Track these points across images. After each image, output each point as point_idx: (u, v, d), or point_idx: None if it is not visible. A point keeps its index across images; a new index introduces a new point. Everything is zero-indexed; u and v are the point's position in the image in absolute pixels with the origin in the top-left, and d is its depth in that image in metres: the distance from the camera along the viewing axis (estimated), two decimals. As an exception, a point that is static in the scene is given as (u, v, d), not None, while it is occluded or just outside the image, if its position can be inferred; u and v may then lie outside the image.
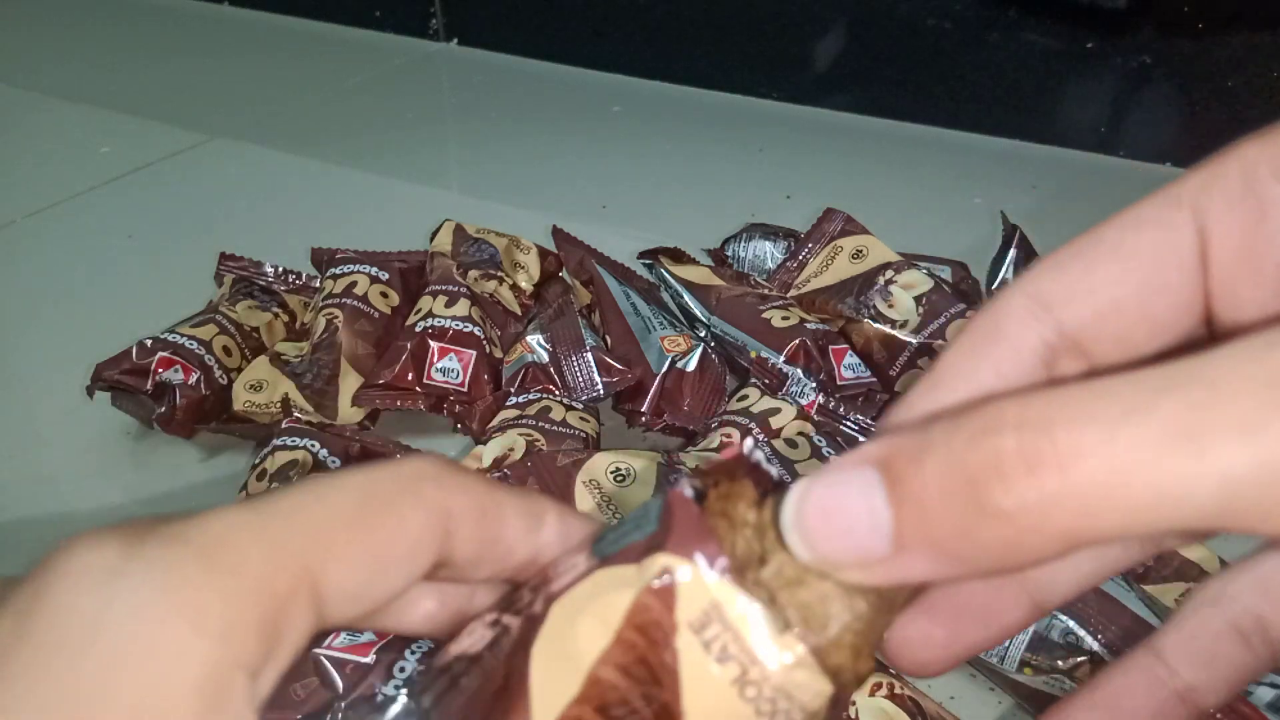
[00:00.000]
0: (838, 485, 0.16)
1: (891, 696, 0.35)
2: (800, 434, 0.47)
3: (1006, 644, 0.38)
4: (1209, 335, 0.19)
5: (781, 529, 0.17)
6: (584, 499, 0.41)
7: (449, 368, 0.53)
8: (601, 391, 0.52)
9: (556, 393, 0.52)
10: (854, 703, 0.35)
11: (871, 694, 0.35)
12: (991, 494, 0.14)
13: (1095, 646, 0.36)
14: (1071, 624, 0.37)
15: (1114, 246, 0.18)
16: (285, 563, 0.17)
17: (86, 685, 0.15)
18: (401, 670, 0.36)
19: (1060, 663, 0.37)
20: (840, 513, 0.16)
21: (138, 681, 0.15)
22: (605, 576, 0.18)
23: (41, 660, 0.15)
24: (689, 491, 0.18)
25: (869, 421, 0.50)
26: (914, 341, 0.53)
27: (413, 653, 0.37)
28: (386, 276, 0.59)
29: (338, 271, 0.59)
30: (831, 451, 0.47)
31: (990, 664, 0.39)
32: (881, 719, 0.35)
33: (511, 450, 0.47)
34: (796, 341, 0.52)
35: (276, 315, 0.59)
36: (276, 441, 0.47)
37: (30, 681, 0.15)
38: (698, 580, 0.17)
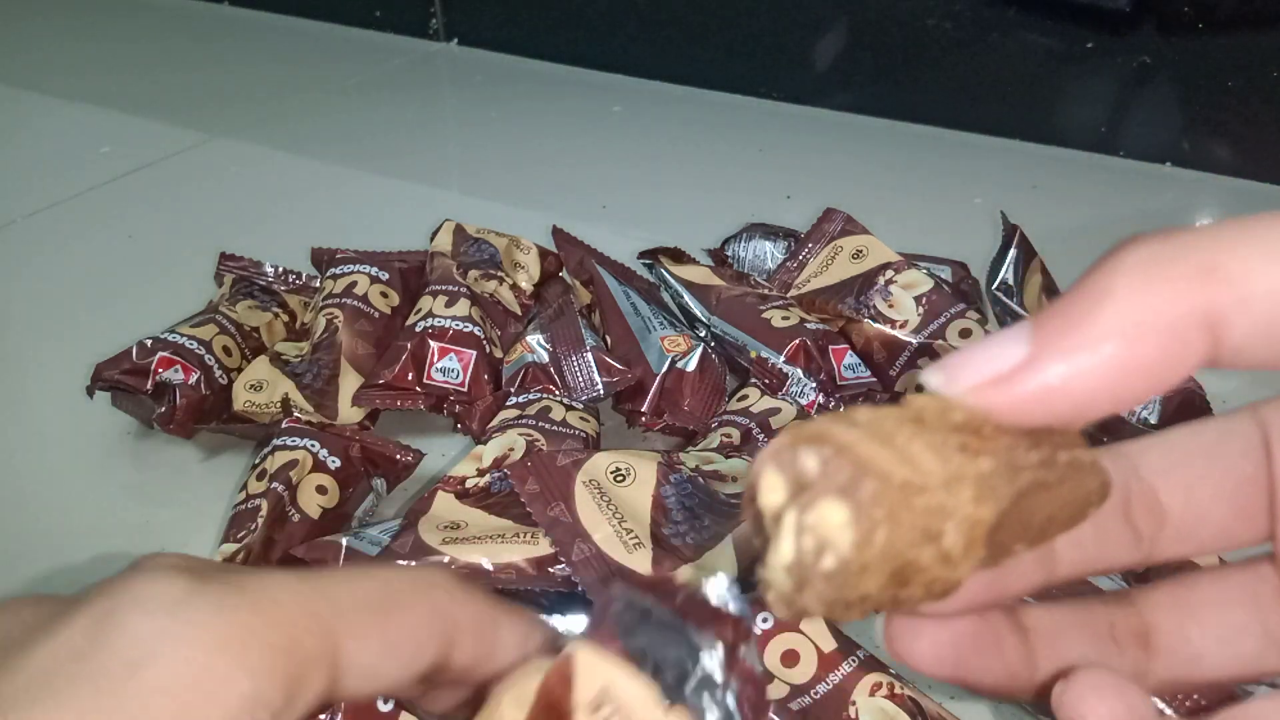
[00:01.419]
0: (984, 339, 0.18)
1: (891, 696, 0.35)
2: (800, 434, 0.47)
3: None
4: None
5: (923, 377, 0.17)
6: (584, 499, 0.41)
7: (449, 368, 0.53)
8: (601, 391, 0.52)
9: (556, 393, 0.52)
10: (854, 703, 0.35)
11: (872, 694, 0.35)
12: (1117, 268, 0.16)
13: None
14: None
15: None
16: (316, 628, 0.19)
17: (140, 699, 0.17)
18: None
19: None
20: (983, 343, 0.17)
21: (182, 701, 0.17)
22: (533, 664, 0.20)
23: (106, 672, 0.17)
24: (617, 590, 0.20)
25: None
26: (914, 341, 0.53)
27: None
28: (386, 276, 0.59)
29: (338, 271, 0.59)
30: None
31: None
32: (881, 719, 0.35)
33: (511, 450, 0.47)
34: (796, 341, 0.52)
35: (276, 315, 0.59)
36: (276, 441, 0.47)
37: (93, 690, 0.17)
38: (593, 662, 0.19)
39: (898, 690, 0.36)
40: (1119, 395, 0.16)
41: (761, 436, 0.48)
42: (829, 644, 0.37)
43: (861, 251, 0.58)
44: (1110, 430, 0.51)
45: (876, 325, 0.54)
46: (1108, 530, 0.21)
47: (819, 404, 0.50)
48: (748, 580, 0.39)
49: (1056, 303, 0.17)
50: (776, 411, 0.49)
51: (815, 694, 0.36)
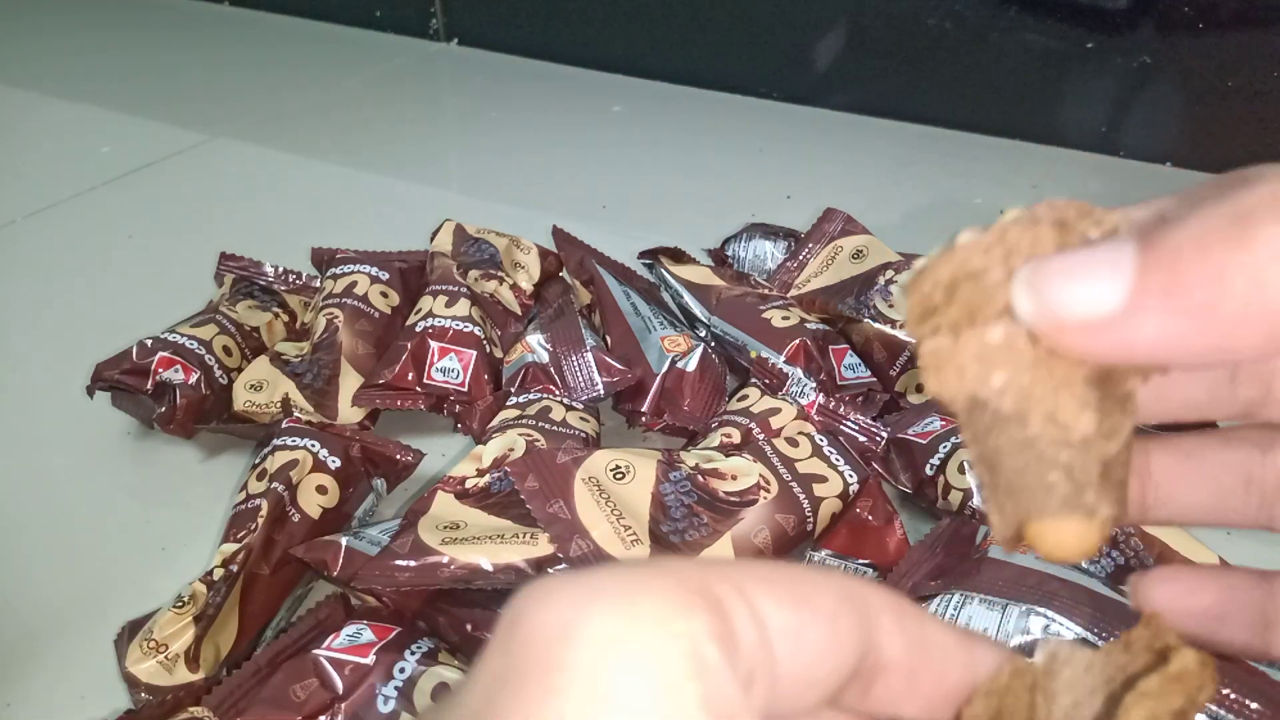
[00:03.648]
0: (1087, 250, 0.15)
1: None
2: (800, 434, 0.47)
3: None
4: None
5: (1013, 287, 0.16)
6: (583, 496, 0.41)
7: (449, 367, 0.53)
8: (601, 391, 0.52)
9: (557, 393, 0.52)
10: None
11: None
12: (1259, 223, 0.14)
13: (1079, 631, 0.36)
14: (1050, 613, 0.37)
15: None
16: (724, 578, 0.16)
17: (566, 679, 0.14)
18: (401, 671, 0.36)
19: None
20: (1081, 265, 0.15)
21: (626, 680, 0.14)
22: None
23: (523, 673, 0.15)
24: None
25: (869, 421, 0.50)
26: (914, 341, 0.53)
27: (412, 653, 0.37)
28: (386, 276, 0.59)
29: (338, 271, 0.59)
30: (833, 451, 0.47)
31: None
32: None
33: (511, 450, 0.47)
34: (796, 341, 0.52)
35: (276, 315, 0.59)
36: (276, 441, 0.47)
37: (515, 695, 0.15)
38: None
39: None
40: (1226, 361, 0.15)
41: (761, 436, 0.48)
42: None
43: (861, 251, 0.58)
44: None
45: (876, 325, 0.54)
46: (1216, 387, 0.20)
47: (819, 404, 0.50)
48: None
49: (1168, 231, 0.15)
50: (776, 411, 0.49)
51: None
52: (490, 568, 0.39)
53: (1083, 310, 0.15)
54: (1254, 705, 0.34)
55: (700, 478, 0.43)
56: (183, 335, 0.54)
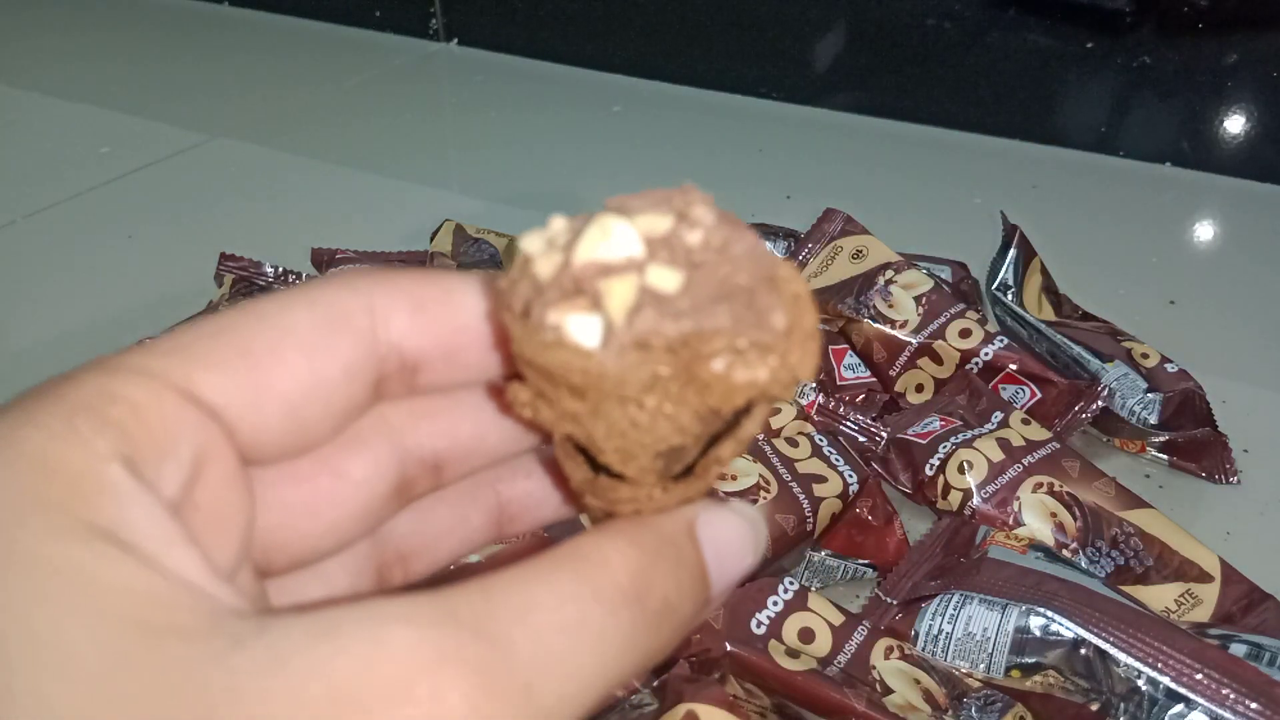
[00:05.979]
0: None
1: (904, 658, 0.38)
2: (800, 434, 0.47)
3: (990, 652, 0.38)
4: None
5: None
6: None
7: (449, 368, 0.53)
8: (601, 391, 0.52)
9: (556, 393, 0.52)
10: (874, 667, 0.39)
11: (886, 657, 0.39)
12: None
13: (1079, 631, 0.36)
14: (1049, 613, 0.37)
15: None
16: (127, 371, 0.15)
17: None
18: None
19: (1045, 656, 0.37)
20: None
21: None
22: None
23: None
24: None
25: (869, 421, 0.50)
26: (914, 341, 0.53)
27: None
28: (386, 276, 0.59)
29: (337, 272, 0.59)
30: (832, 451, 0.47)
31: (977, 675, 0.39)
32: (901, 678, 0.38)
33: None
34: (796, 341, 0.52)
35: (276, 315, 0.59)
36: (276, 441, 0.47)
37: None
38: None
39: (908, 651, 0.38)
40: None
41: (761, 436, 0.48)
42: (837, 618, 0.39)
43: (861, 251, 0.58)
44: (1110, 429, 0.52)
45: (876, 325, 0.54)
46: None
47: (819, 404, 0.50)
48: None
49: None
50: (776, 411, 0.49)
51: (839, 663, 0.38)
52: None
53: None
54: (1254, 705, 0.34)
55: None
56: (183, 335, 0.54)
